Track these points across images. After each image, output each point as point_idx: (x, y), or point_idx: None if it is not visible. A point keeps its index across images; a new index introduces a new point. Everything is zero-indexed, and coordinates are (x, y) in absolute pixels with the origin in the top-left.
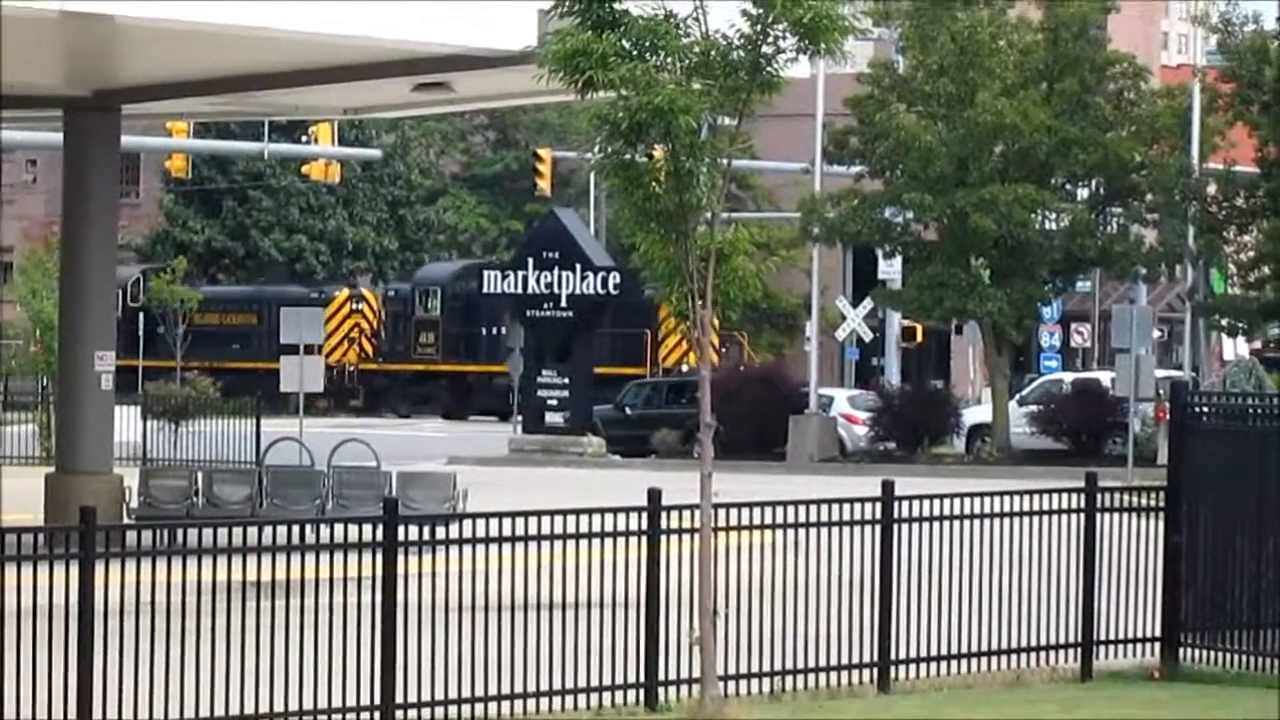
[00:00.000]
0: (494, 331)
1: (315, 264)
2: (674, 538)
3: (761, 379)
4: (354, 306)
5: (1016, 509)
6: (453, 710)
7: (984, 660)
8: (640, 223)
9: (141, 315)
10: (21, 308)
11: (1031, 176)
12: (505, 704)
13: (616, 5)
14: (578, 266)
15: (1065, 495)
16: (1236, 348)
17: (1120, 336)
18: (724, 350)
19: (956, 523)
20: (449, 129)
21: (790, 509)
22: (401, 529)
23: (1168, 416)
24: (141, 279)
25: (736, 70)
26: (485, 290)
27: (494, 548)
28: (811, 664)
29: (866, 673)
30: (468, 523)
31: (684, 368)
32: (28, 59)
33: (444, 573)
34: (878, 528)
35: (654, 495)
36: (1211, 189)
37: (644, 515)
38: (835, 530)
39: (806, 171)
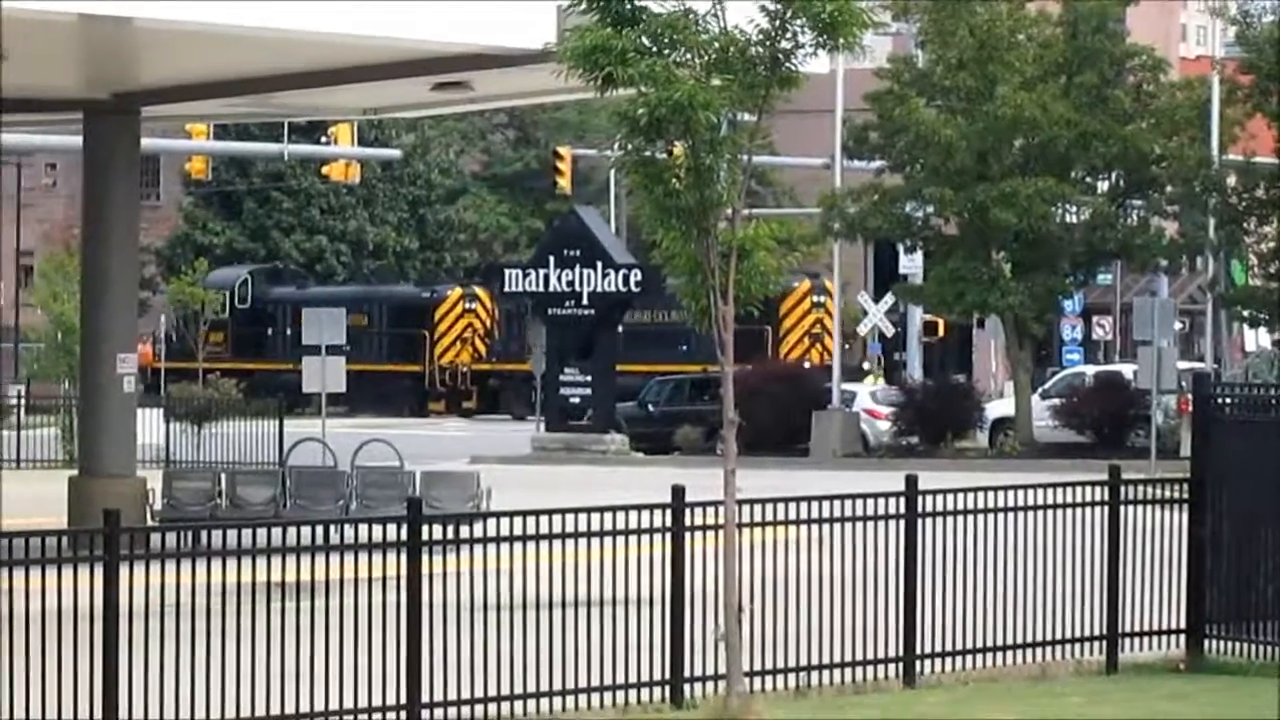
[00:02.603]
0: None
1: (336, 265)
2: (698, 534)
3: (784, 375)
4: (467, 306)
5: (1040, 502)
6: (478, 709)
7: (1009, 654)
8: (661, 219)
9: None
10: (43, 311)
11: (1051, 169)
12: (530, 702)
13: (636, 1)
14: (599, 264)
15: (1089, 488)
16: (1258, 339)
17: (1142, 329)
18: (848, 347)
19: (980, 516)
20: (468, 128)
21: (814, 504)
22: (425, 528)
23: (1190, 408)
24: (250, 280)
25: (755, 66)
26: (506, 289)
27: (518, 546)
28: (837, 659)
29: (892, 667)
30: (491, 521)
31: (807, 364)
32: (47, 62)
33: (468, 572)
34: (902, 522)
35: (678, 492)
36: (1231, 180)
37: (668, 512)
38: (859, 525)
39: (826, 167)
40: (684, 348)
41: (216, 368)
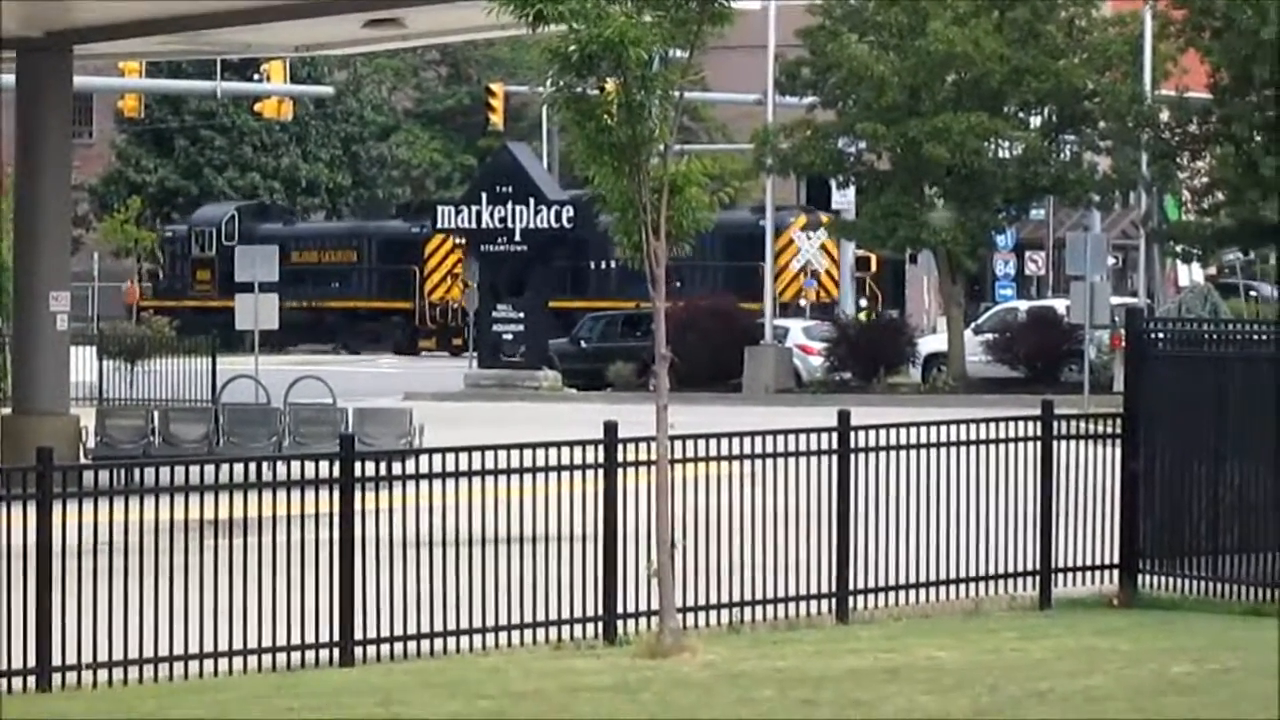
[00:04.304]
0: (604, 266)
1: (269, 201)
2: (631, 470)
3: (716, 311)
4: (457, 241)
5: (973, 438)
6: (411, 645)
7: (942, 589)
8: (593, 155)
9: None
10: None
11: (984, 105)
12: (464, 639)
13: None
14: (531, 200)
15: (1022, 423)
16: (1191, 274)
17: (1075, 264)
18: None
19: (913, 452)
20: (401, 65)
21: (747, 440)
22: (358, 465)
23: (1123, 343)
24: (237, 216)
25: (686, 1)
26: (439, 226)
27: (451, 483)
28: (770, 595)
29: (825, 603)
30: (424, 458)
31: (803, 302)
32: None
33: (401, 508)
34: (834, 458)
35: (610, 428)
36: (1164, 116)
37: (600, 448)
38: (792, 461)
39: (759, 103)
40: (678, 285)
41: (203, 305)
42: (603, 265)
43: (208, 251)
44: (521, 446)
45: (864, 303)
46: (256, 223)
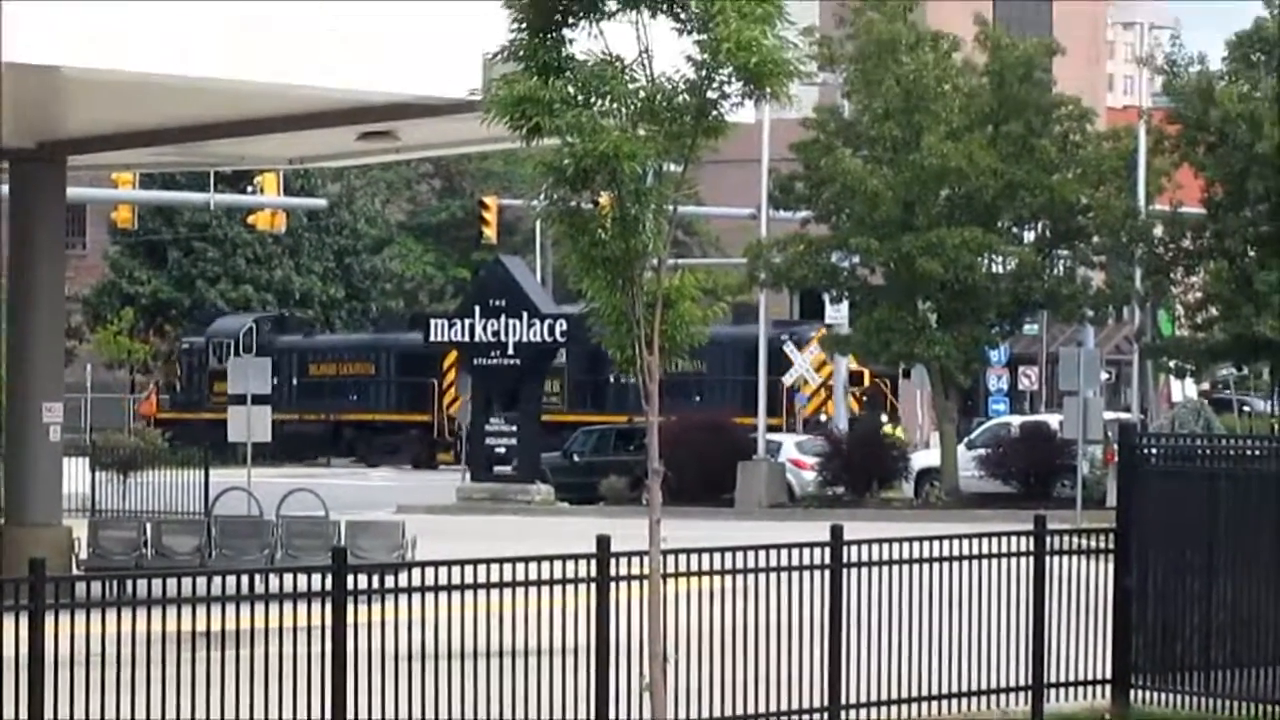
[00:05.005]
0: (619, 380)
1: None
2: (623, 584)
3: (709, 425)
4: None
5: (966, 553)
6: None
7: (934, 704)
8: (586, 269)
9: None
10: None
11: (978, 219)
12: None
13: (562, 50)
14: (524, 314)
15: (1014, 538)
16: (1185, 389)
17: (1068, 379)
18: (865, 399)
19: (906, 567)
20: (394, 178)
21: (739, 554)
22: (350, 578)
23: (1116, 458)
24: (255, 328)
25: (682, 115)
26: (432, 339)
27: (443, 596)
28: (762, 710)
29: (817, 718)
30: (417, 571)
31: (823, 417)
32: None
33: (393, 621)
34: (827, 572)
35: (603, 542)
36: (1158, 230)
37: (593, 562)
38: (785, 575)
39: (753, 217)
40: (697, 398)
41: (221, 418)
42: (596, 379)
43: (225, 363)
44: (514, 560)
45: (885, 418)
46: (275, 334)
